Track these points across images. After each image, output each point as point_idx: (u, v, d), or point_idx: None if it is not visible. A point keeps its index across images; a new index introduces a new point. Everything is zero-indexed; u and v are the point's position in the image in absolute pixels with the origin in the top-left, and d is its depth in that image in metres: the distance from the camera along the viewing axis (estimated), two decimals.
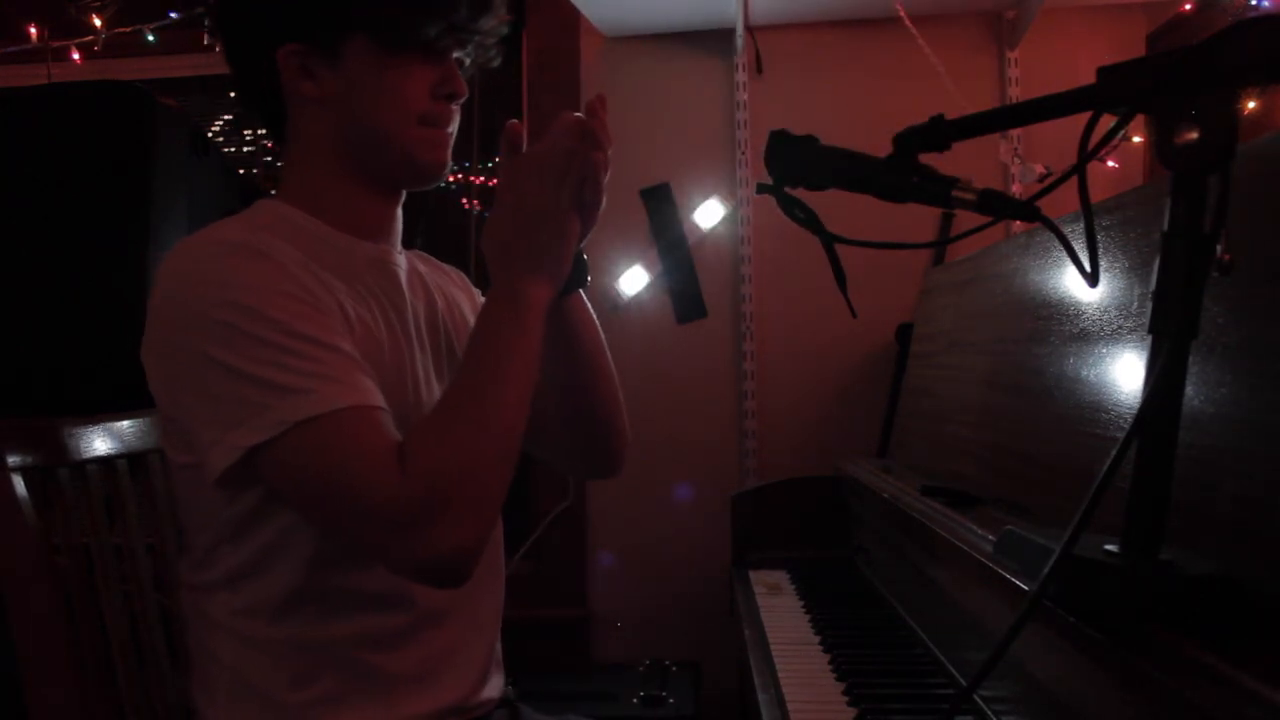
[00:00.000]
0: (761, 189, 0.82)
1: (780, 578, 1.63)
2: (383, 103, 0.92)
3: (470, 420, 0.81)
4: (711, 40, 2.20)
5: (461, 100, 0.97)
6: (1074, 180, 0.66)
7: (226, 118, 2.77)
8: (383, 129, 0.93)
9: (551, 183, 0.87)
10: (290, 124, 0.97)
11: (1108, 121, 0.67)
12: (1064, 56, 2.11)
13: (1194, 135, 0.59)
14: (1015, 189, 2.07)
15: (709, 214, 2.19)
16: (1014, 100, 2.10)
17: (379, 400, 0.83)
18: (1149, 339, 0.62)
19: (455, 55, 0.96)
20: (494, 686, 1.02)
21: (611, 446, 1.08)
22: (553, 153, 0.87)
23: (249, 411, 0.79)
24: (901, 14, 1.99)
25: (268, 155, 2.74)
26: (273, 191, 1.01)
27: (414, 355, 0.98)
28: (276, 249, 0.86)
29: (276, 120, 0.98)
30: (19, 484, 0.88)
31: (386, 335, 0.94)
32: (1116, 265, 0.97)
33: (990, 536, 0.93)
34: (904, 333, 1.93)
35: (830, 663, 1.17)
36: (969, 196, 0.70)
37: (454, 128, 0.97)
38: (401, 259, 1.02)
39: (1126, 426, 0.62)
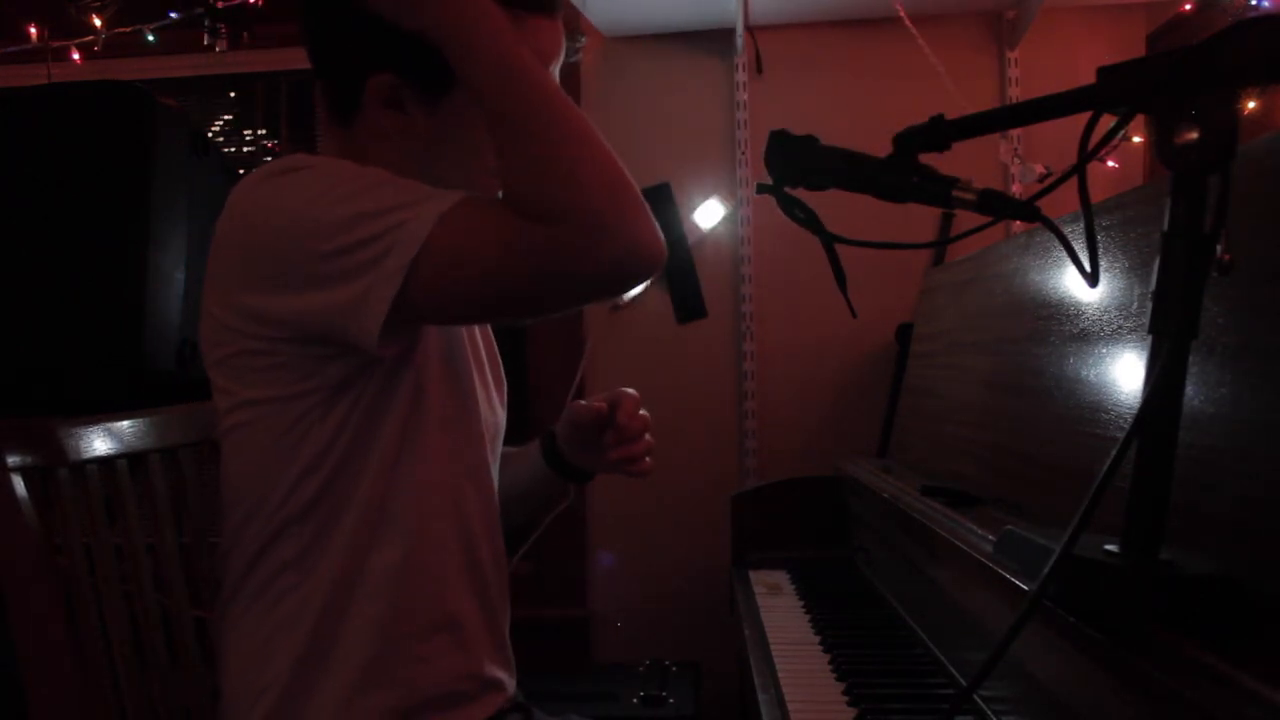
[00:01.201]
0: (761, 189, 0.82)
1: (780, 578, 1.63)
2: (465, 159, 0.93)
3: (559, 144, 0.79)
4: (711, 40, 2.20)
5: None
6: (1074, 180, 0.67)
7: (226, 118, 2.77)
8: (455, 179, 0.92)
9: None
10: (360, 127, 0.94)
11: (1108, 121, 0.67)
12: (1064, 56, 2.11)
13: (1194, 135, 0.60)
14: (1015, 189, 2.07)
15: (709, 214, 2.19)
16: (1014, 100, 2.10)
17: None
18: (1149, 339, 0.62)
19: None
20: (507, 668, 1.02)
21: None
22: None
23: (390, 238, 0.78)
24: (901, 14, 1.99)
25: (268, 155, 2.74)
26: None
27: (473, 365, 1.00)
28: None
29: (339, 107, 0.95)
30: (19, 484, 0.88)
31: (455, 342, 0.96)
32: (1116, 265, 0.97)
33: (990, 536, 0.93)
34: (904, 333, 1.93)
35: (830, 663, 1.17)
36: (969, 196, 0.71)
37: None
38: None
39: (1126, 426, 0.62)
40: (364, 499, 0.90)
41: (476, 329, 1.06)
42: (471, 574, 0.97)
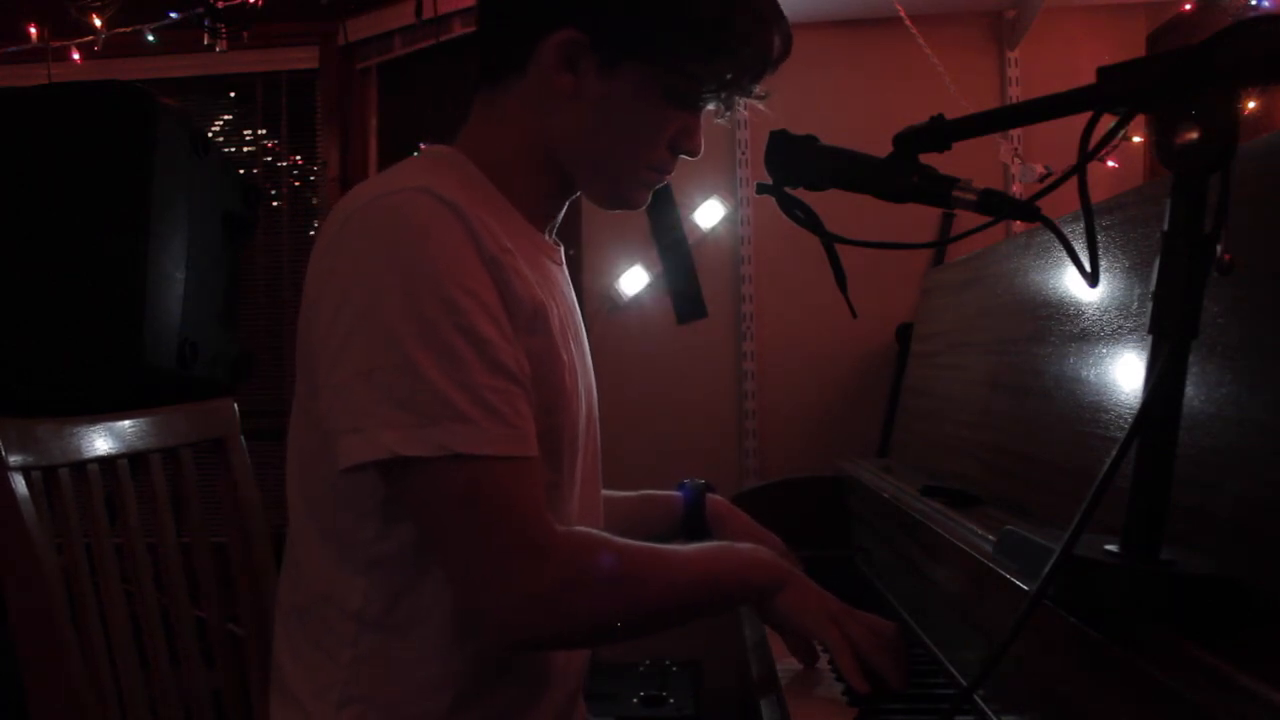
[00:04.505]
0: (761, 189, 0.82)
1: None
2: (634, 137, 0.88)
3: (647, 588, 0.90)
4: None
5: (693, 159, 0.93)
6: (1074, 180, 0.67)
7: (226, 118, 2.77)
8: (618, 159, 0.89)
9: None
10: (513, 92, 0.89)
11: (1108, 121, 0.67)
12: (1064, 56, 2.11)
13: (1194, 135, 0.60)
14: (1015, 189, 2.07)
15: (709, 214, 2.19)
16: (1014, 100, 2.10)
17: (535, 449, 0.80)
18: (1149, 339, 0.62)
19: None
20: (581, 713, 1.03)
21: None
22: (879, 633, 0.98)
23: (411, 417, 0.74)
24: (901, 14, 1.99)
25: (268, 155, 2.74)
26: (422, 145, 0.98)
27: (582, 358, 0.97)
28: (488, 225, 0.79)
29: (494, 70, 0.90)
30: (20, 484, 0.88)
31: (559, 336, 0.89)
32: (1116, 265, 0.97)
33: (990, 536, 0.93)
34: (904, 333, 1.93)
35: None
36: (970, 196, 0.71)
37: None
38: (560, 255, 0.99)
39: (1126, 426, 0.62)
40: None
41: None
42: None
